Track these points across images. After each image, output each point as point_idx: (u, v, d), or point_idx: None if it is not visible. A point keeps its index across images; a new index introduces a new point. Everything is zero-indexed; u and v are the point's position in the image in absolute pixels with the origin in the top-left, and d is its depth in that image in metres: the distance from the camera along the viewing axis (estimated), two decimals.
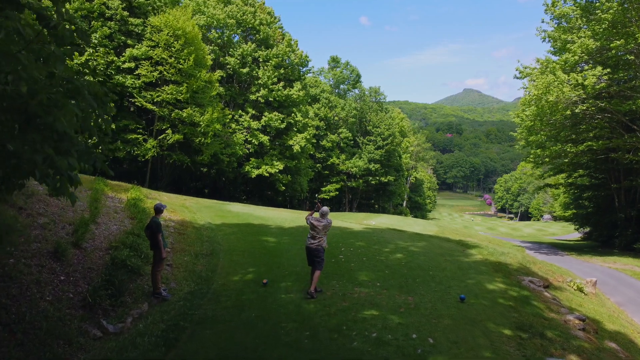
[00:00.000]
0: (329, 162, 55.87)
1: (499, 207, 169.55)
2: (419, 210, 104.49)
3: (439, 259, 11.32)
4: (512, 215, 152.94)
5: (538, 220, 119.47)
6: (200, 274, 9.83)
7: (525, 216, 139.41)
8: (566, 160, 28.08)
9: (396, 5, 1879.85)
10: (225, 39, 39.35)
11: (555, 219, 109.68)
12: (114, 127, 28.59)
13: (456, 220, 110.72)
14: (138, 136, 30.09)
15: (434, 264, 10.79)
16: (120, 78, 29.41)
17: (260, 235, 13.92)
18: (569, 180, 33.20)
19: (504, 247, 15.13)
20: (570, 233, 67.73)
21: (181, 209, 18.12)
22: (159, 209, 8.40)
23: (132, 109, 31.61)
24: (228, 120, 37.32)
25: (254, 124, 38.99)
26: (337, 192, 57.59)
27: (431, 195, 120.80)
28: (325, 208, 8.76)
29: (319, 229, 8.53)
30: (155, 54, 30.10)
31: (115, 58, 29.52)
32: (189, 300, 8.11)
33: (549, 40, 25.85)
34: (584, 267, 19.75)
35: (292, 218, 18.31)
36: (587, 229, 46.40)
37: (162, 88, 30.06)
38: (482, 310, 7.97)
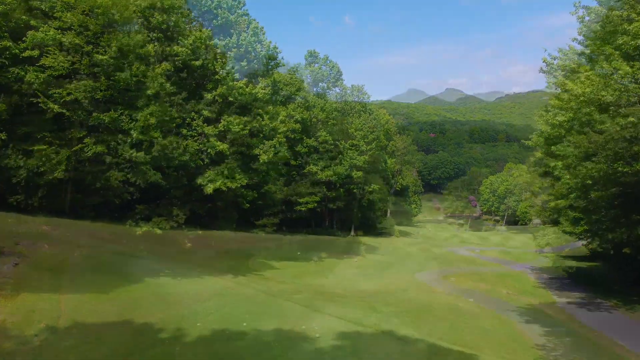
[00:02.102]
0: (305, 170, 48.80)
1: (485, 209, 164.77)
2: (404, 215, 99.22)
3: None
4: (498, 218, 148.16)
5: (526, 224, 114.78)
6: None
7: (512, 220, 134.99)
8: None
9: (380, 3, 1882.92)
10: (172, 24, 31.94)
11: (545, 223, 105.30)
12: (3, 137, 21.13)
13: (444, 230, 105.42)
14: (43, 146, 22.53)
15: None
16: (19, 70, 22.01)
17: None
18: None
19: None
20: (568, 243, 62.19)
21: (39, 276, 10.89)
22: None
23: (46, 114, 23.93)
24: (175, 125, 30.00)
25: (210, 130, 31.73)
26: (316, 204, 50.56)
27: (417, 200, 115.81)
28: None
29: None
30: (67, 40, 22.74)
31: (11, 44, 22.01)
32: None
33: (583, 21, 19.57)
34: None
35: (232, 294, 11.21)
36: (595, 244, 41.21)
37: (74, 84, 22.66)
38: None
